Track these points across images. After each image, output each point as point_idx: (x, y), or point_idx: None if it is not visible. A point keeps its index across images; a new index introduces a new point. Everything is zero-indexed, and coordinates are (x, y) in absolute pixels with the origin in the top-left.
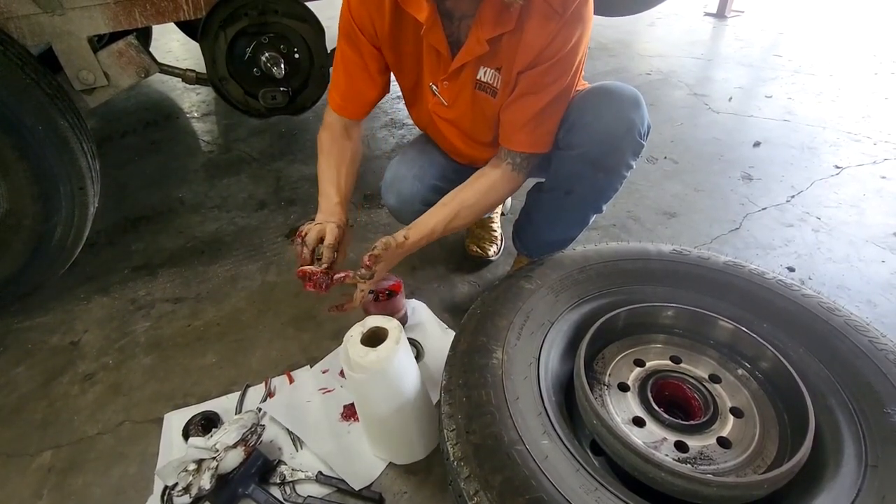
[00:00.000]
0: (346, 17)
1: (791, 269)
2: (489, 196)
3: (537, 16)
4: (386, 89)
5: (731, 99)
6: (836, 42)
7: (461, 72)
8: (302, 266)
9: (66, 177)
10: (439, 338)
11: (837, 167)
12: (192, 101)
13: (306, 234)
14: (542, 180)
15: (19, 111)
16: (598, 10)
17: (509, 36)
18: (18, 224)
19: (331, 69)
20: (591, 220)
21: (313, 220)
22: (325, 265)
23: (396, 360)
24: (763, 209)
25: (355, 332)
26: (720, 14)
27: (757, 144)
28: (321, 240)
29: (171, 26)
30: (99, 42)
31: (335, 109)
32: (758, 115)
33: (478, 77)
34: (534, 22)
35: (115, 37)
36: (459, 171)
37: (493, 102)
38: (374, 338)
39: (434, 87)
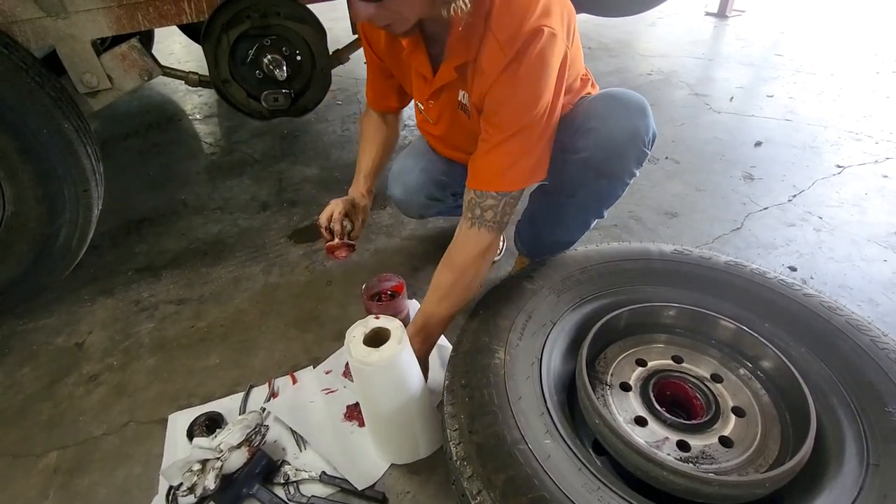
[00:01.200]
0: (360, 31)
1: (793, 269)
2: (461, 276)
3: (488, 46)
4: (404, 91)
5: (732, 98)
6: (838, 41)
7: (442, 93)
8: (327, 244)
9: (70, 179)
10: (441, 339)
11: (839, 166)
12: (195, 103)
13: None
14: (545, 182)
15: (24, 114)
16: (600, 11)
17: (472, 64)
18: (23, 226)
19: (332, 70)
20: (592, 225)
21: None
22: (337, 237)
23: (400, 360)
24: (765, 209)
25: (357, 332)
26: (721, 14)
27: (758, 144)
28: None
29: (174, 28)
30: (102, 45)
31: (368, 103)
32: (759, 115)
33: (458, 99)
34: (485, 52)
35: (117, 40)
36: (464, 168)
37: (468, 122)
38: (376, 338)
39: (420, 106)
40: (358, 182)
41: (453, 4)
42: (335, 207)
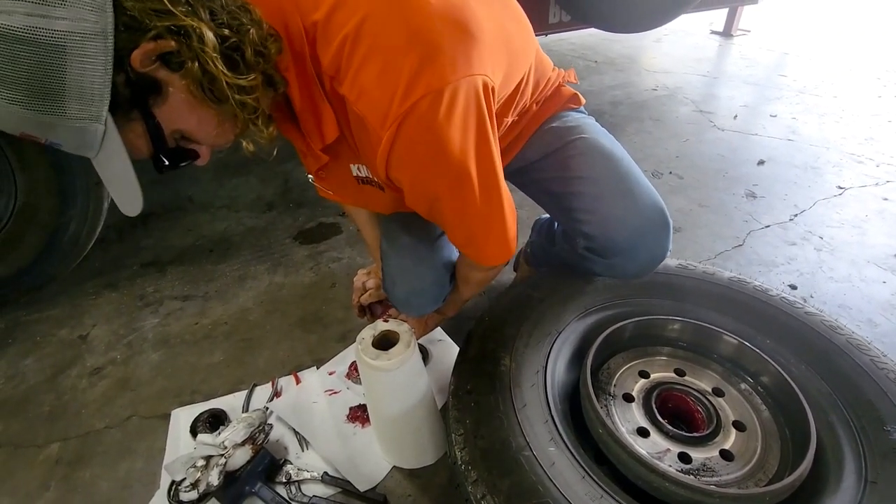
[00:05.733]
0: None
1: (793, 287)
2: (487, 275)
3: (357, 126)
4: None
5: (736, 117)
6: (841, 64)
7: (330, 168)
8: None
9: (83, 171)
10: (446, 344)
11: (840, 188)
12: None
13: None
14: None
15: None
16: (608, 27)
17: (349, 139)
18: (34, 217)
19: None
20: None
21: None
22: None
23: (409, 364)
24: (766, 227)
25: (366, 335)
26: (726, 33)
27: (761, 163)
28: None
29: None
30: None
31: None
32: (762, 134)
33: (354, 175)
34: (357, 133)
35: None
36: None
37: (385, 196)
38: (384, 341)
39: (310, 177)
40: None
41: (253, 135)
42: (368, 287)
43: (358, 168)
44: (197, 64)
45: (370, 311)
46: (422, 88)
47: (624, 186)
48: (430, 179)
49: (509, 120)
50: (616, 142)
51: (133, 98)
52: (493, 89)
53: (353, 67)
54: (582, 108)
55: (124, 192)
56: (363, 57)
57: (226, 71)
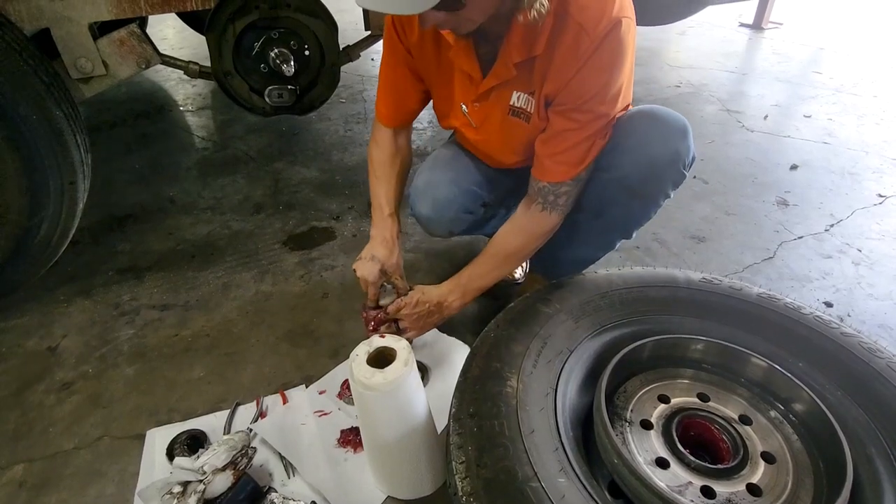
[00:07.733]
0: (388, 22)
1: (828, 305)
2: (526, 245)
3: (569, 35)
4: (428, 95)
5: (766, 117)
6: (882, 61)
7: (491, 94)
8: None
9: (57, 170)
10: (448, 359)
11: (881, 196)
12: (187, 93)
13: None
14: None
15: (15, 99)
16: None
17: (541, 59)
18: (2, 218)
19: (341, 68)
20: (617, 245)
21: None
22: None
23: (406, 384)
24: (799, 238)
25: (361, 351)
26: (756, 25)
27: (794, 167)
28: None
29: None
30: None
31: (380, 118)
32: (795, 136)
33: (511, 103)
34: (565, 43)
35: (115, 23)
36: (497, 175)
37: (526, 128)
38: (380, 358)
39: (464, 108)
40: (386, 221)
41: (536, 4)
42: (369, 284)
43: (517, 97)
44: None
45: (365, 322)
46: (626, 11)
47: (657, 108)
48: (604, 85)
49: None
50: None
51: None
52: None
53: None
54: None
55: None
56: None
57: None
